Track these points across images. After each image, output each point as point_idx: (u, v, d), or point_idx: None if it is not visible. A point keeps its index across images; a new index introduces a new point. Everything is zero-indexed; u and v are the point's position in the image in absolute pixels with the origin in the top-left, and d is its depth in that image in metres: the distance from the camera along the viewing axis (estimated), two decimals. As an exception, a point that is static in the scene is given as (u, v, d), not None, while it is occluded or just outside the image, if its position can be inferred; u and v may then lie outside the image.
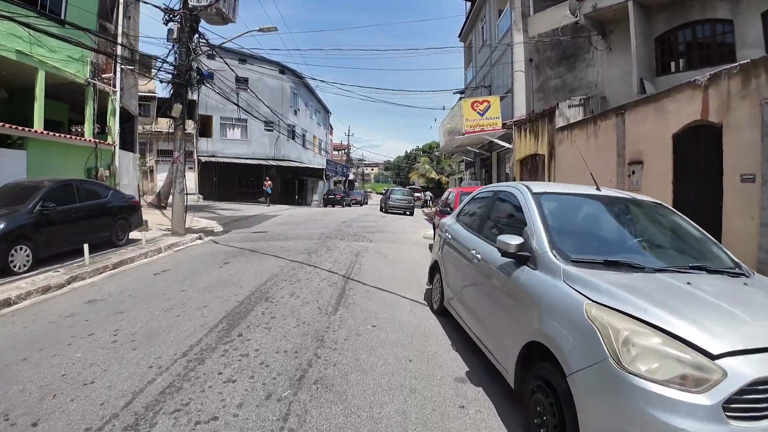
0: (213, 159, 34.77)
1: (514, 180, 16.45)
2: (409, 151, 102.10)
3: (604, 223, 3.59)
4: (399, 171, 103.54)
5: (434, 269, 5.64)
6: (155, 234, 13.24)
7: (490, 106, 16.45)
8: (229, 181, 36.71)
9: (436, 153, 23.72)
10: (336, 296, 6.03)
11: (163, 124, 35.15)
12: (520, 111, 16.91)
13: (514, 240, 3.08)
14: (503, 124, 16.66)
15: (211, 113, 35.46)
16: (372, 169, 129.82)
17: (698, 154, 8.07)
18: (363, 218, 19.97)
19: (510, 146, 16.74)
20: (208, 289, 6.46)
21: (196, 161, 34.91)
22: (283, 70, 38.31)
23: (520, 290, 3.00)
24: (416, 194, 43.96)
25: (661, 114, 8.81)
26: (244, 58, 36.92)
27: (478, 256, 3.89)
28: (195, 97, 35.28)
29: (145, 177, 35.06)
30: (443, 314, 5.16)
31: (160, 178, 35.11)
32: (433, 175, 57.38)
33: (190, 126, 35.44)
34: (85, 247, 8.54)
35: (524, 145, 15.69)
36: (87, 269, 8.01)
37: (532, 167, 15.39)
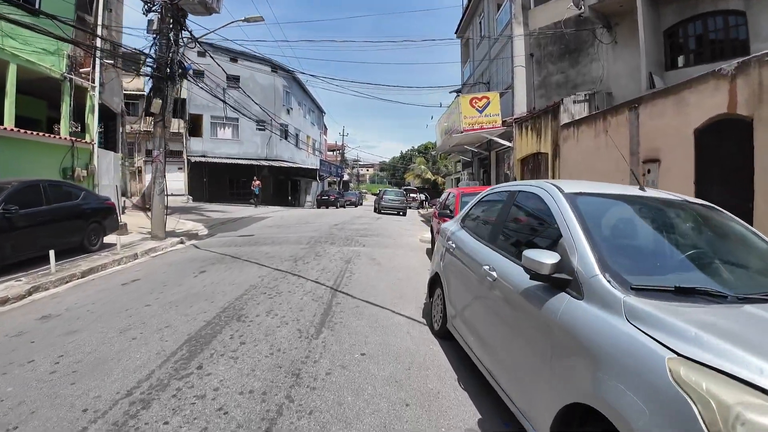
0: (203, 159, 33.90)
1: (515, 180, 15.71)
2: (404, 152, 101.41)
3: (658, 234, 2.77)
4: (394, 172, 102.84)
5: (435, 282, 4.84)
6: (134, 238, 12.39)
7: (489, 103, 15.69)
8: (219, 182, 35.84)
9: (433, 152, 22.94)
10: (320, 314, 5.21)
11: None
12: (521, 108, 16.16)
13: (548, 258, 2.27)
14: (503, 122, 15.90)
15: (201, 112, 34.63)
16: (367, 170, 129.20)
17: (723, 151, 7.32)
18: (357, 220, 19.16)
19: (510, 145, 15.98)
20: (175, 305, 5.63)
21: (185, 161, 34.04)
22: (275, 68, 37.46)
23: (559, 328, 2.18)
24: (411, 195, 43.26)
25: (681, 107, 8.05)
26: (234, 56, 36.08)
27: (493, 273, 3.09)
28: (184, 96, 34.49)
29: (133, 178, 34.20)
30: (446, 337, 4.35)
31: (148, 178, 34.27)
32: (429, 175, 56.63)
33: (180, 125, 34.67)
34: (51, 253, 7.73)
35: (525, 143, 14.93)
36: (52, 278, 7.25)
37: (534, 167, 14.63)
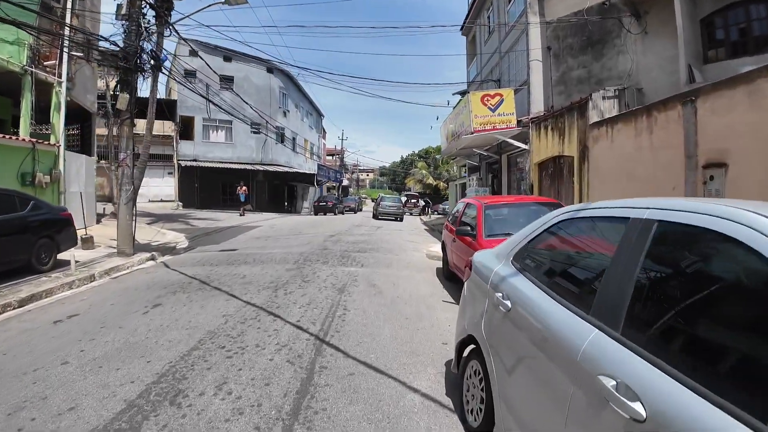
0: (195, 163, 32.34)
1: (531, 187, 14.08)
2: (405, 156, 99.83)
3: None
4: (395, 177, 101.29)
5: (468, 347, 3.17)
6: (98, 254, 10.76)
7: (503, 101, 14.07)
8: (212, 188, 34.23)
9: (437, 156, 21.37)
10: (295, 391, 3.50)
11: (140, 126, 32.69)
12: (538, 106, 14.54)
13: None
14: (518, 122, 14.27)
15: (192, 114, 33.10)
16: (367, 175, 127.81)
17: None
18: (355, 230, 17.50)
19: (525, 147, 14.35)
20: (99, 364, 4.02)
21: (176, 166, 32.46)
22: (271, 68, 35.92)
23: None
24: (412, 201, 41.61)
25: (757, 99, 6.40)
26: (228, 54, 34.58)
27: (638, 409, 1.40)
28: (174, 97, 32.93)
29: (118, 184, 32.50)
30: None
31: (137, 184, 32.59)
32: (431, 180, 55.03)
33: (170, 128, 33.09)
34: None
35: (544, 145, 13.30)
36: (-26, 311, 5.66)
37: (555, 172, 12.99)
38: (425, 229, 20.92)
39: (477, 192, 16.64)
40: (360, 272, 8.36)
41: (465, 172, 29.82)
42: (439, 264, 9.69)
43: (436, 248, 12.67)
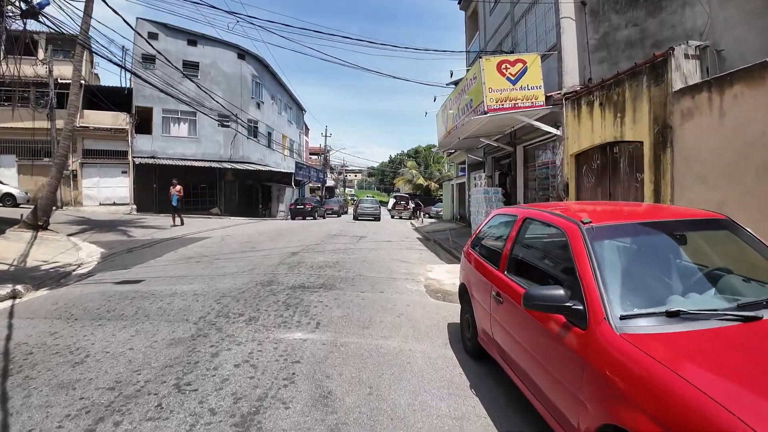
0: (153, 161, 28.17)
1: (566, 188, 10.30)
2: (393, 156, 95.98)
3: None
4: (383, 177, 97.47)
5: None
6: None
7: (526, 70, 10.28)
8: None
9: (433, 150, 17.65)
10: None
11: (95, 118, 28.44)
12: (572, 79, 10.79)
13: None
14: (546, 98, 10.50)
15: (151, 104, 28.93)
16: (355, 176, 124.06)
17: None
18: (329, 242, 13.57)
19: (557, 133, 10.57)
20: None
21: (131, 163, 28.26)
22: (243, 54, 31.86)
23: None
24: (402, 202, 37.76)
25: None
26: (193, 39, 30.50)
27: None
28: (129, 85, 28.68)
29: (65, 183, 28.32)
30: None
31: (87, 184, 28.42)
32: (421, 180, 51.31)
33: (124, 120, 28.87)
34: None
35: (587, 129, 9.55)
36: None
37: (605, 165, 9.24)
38: (418, 238, 17.07)
39: (487, 194, 12.83)
40: (308, 350, 4.40)
41: (461, 170, 26.04)
42: (449, 308, 5.88)
43: (438, 273, 8.83)
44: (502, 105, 10.17)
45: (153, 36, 29.47)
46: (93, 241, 13.79)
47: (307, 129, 52.83)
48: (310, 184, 48.66)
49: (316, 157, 63.37)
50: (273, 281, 7.50)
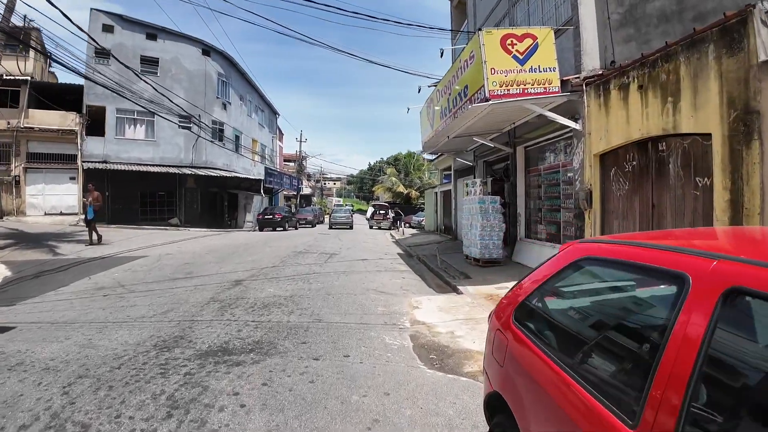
0: (105, 166, 25.20)
1: (589, 196, 8.09)
2: (372, 163, 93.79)
3: None
4: (362, 185, 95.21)
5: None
6: None
7: (536, 47, 8.07)
8: (128, 197, 27.04)
9: (416, 152, 15.51)
10: None
11: (41, 118, 25.38)
12: (591, 61, 8.60)
13: None
14: (562, 82, 8.30)
15: (103, 103, 25.97)
16: (334, 183, 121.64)
17: None
18: (292, 262, 11.07)
19: (575, 126, 8.36)
20: None
21: (80, 168, 25.24)
22: (208, 50, 29.22)
23: None
24: (381, 212, 35.38)
25: None
26: (153, 32, 27.74)
27: None
28: (80, 81, 25.80)
29: (7, 191, 25.25)
30: None
31: (31, 191, 25.31)
32: (401, 188, 49.05)
33: (74, 120, 25.91)
34: None
35: (619, 120, 7.36)
36: None
37: (645, 168, 7.05)
38: (399, 254, 14.69)
39: (482, 204, 10.54)
40: None
41: (445, 177, 23.82)
42: (454, 390, 3.47)
43: (429, 311, 6.47)
44: (508, 90, 7.90)
45: (108, 29, 26.68)
46: (6, 260, 11.15)
47: (281, 134, 50.12)
48: (285, 192, 45.93)
49: (292, 164, 60.60)
50: (182, 338, 4.98)
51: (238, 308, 6.41)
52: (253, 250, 13.62)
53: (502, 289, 8.05)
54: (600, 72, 8.34)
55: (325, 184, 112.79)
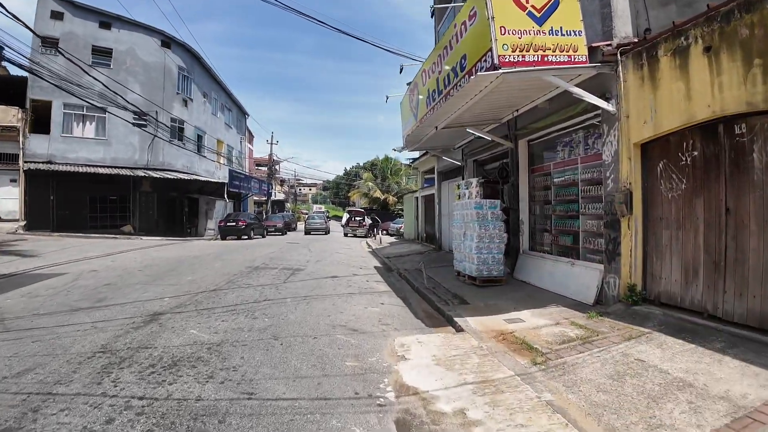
0: (50, 167, 22.38)
1: (628, 198, 6.14)
2: (349, 168, 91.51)
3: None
4: (338, 190, 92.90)
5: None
6: None
7: (557, 2, 6.13)
8: (75, 201, 24.25)
9: (402, 149, 13.81)
10: None
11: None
12: (624, 26, 6.69)
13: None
14: (590, 51, 6.37)
15: (49, 98, 23.15)
16: (310, 189, 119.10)
17: None
18: (240, 283, 8.80)
19: (607, 108, 6.41)
20: None
21: (21, 169, 22.35)
22: (168, 42, 26.67)
23: None
24: (357, 218, 33.20)
25: None
26: (107, 20, 25.07)
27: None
28: (23, 73, 22.99)
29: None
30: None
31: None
32: (378, 194, 46.94)
33: (16, 116, 23.03)
34: None
35: (672, 96, 5.46)
36: None
37: (713, 160, 5.14)
38: (376, 268, 12.58)
39: (479, 209, 8.52)
40: None
41: (426, 181, 21.82)
42: None
43: (420, 361, 4.31)
44: (523, 57, 5.91)
45: (57, 15, 23.92)
46: None
47: (251, 136, 47.45)
48: (254, 198, 43.29)
49: (265, 168, 57.85)
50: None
51: (131, 368, 4.17)
52: (199, 266, 11.26)
53: (513, 322, 6.01)
54: (635, 40, 6.44)
55: (300, 189, 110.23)
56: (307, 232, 32.93)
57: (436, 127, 9.24)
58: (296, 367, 4.28)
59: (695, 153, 5.46)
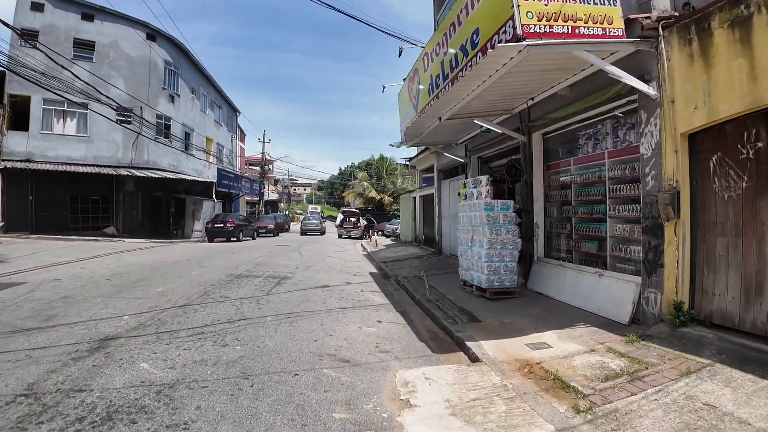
0: (28, 165, 21.19)
1: (675, 199, 5.14)
2: (343, 168, 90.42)
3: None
4: (333, 190, 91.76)
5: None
6: None
7: (589, -33, 5.13)
8: (56, 202, 23.11)
9: (400, 144, 12.82)
10: None
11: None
12: (661, 1, 5.71)
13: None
14: (626, 23, 5.37)
15: (28, 92, 21.97)
16: (305, 189, 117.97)
17: None
18: (216, 296, 7.74)
19: (649, 92, 5.40)
20: None
21: (-4, 167, 21.16)
22: (154, 35, 25.51)
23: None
24: (351, 219, 32.16)
25: None
26: (90, 11, 23.90)
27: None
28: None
29: None
30: None
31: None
32: (373, 194, 45.89)
33: (-12, 111, 21.83)
34: None
35: (731, 77, 4.47)
36: None
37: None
38: (372, 274, 11.56)
39: (490, 211, 7.51)
40: None
41: (425, 181, 20.80)
42: None
43: (434, 420, 3.23)
44: (550, 28, 4.90)
45: (38, 7, 22.75)
46: None
47: (243, 134, 46.26)
48: (246, 198, 42.11)
49: (257, 167, 56.62)
50: None
51: (51, 423, 3.12)
52: (174, 274, 10.16)
53: (538, 348, 5.00)
54: (675, 14, 5.45)
55: (294, 190, 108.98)
56: (303, 232, 33.60)
57: (440, 118, 8.23)
58: (268, 423, 3.23)
59: (759, 144, 4.47)
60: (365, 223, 32.31)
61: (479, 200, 7.87)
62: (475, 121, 8.27)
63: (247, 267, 11.56)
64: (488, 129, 8.60)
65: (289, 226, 43.50)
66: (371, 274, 11.82)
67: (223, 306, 6.89)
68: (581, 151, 7.39)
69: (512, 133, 8.60)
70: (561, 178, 8.02)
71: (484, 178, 7.94)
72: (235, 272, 10.48)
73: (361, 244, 23.19)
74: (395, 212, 41.01)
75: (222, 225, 22.78)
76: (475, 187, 8.22)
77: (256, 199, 43.49)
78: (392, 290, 9.41)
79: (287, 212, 57.00)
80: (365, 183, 47.20)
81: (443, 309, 7.07)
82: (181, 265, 11.77)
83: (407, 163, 23.96)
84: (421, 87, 9.27)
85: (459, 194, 8.93)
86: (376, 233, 30.03)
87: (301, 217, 47.15)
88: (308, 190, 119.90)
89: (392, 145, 11.77)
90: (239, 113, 40.80)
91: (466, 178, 12.03)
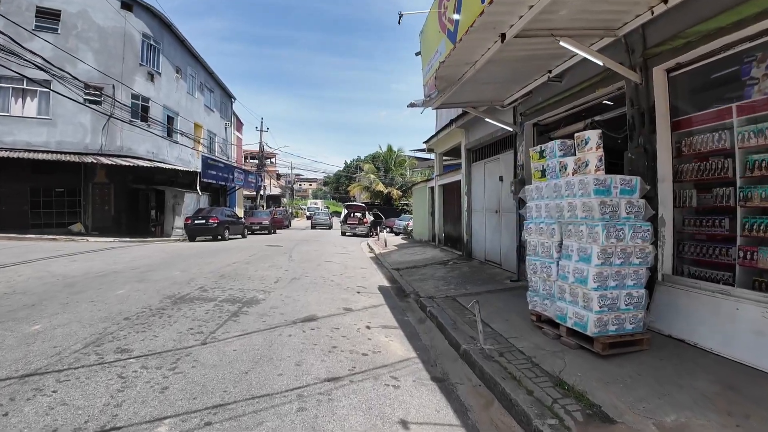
0: (-24, 151, 18.08)
1: None
2: (349, 161, 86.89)
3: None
4: (338, 185, 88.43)
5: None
6: None
7: None
8: (14, 194, 19.97)
9: (423, 103, 10.13)
10: None
11: None
12: None
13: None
14: None
15: (-23, 68, 18.57)
16: (310, 185, 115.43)
17: None
18: (58, 382, 4.50)
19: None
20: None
21: (-63, 155, 18.09)
22: (130, 4, 22.16)
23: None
24: (356, 214, 28.69)
25: None
26: (53, -24, 20.62)
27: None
28: None
29: None
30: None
31: None
32: (381, 187, 42.47)
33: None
34: None
35: None
36: None
37: None
38: (382, 288, 8.22)
39: (605, 195, 4.16)
40: None
41: (445, 168, 17.32)
42: None
43: None
44: None
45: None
46: None
47: (240, 123, 42.80)
48: (245, 192, 38.82)
49: (256, 161, 53.32)
50: None
51: None
52: (89, 295, 6.80)
53: None
54: None
55: (300, 185, 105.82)
56: (313, 226, 36.56)
57: (502, 37, 4.77)
58: None
59: None
60: (372, 219, 28.88)
61: (583, 176, 4.39)
62: (561, 43, 4.81)
63: (205, 281, 8.15)
64: (582, 58, 5.14)
65: (290, 222, 40.18)
66: (381, 289, 8.43)
67: (90, 385, 3.50)
68: (751, 93, 3.95)
69: (616, 68, 5.14)
70: (707, 142, 4.57)
71: (593, 134, 4.41)
72: (181, 292, 7.09)
73: (368, 244, 19.78)
74: (404, 207, 37.56)
75: (204, 222, 19.42)
76: (582, 148, 4.62)
77: (254, 193, 40.22)
78: (415, 322, 6.03)
79: (288, 207, 53.69)
80: (372, 175, 43.76)
81: (519, 379, 3.68)
82: (116, 277, 8.40)
83: (423, 148, 20.43)
84: (455, 17, 5.85)
85: (533, 171, 5.39)
86: (384, 230, 26.62)
87: (308, 213, 48.92)
88: (314, 185, 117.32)
89: (413, 104, 8.24)
90: (234, 99, 37.40)
91: (516, 154, 8.59)
